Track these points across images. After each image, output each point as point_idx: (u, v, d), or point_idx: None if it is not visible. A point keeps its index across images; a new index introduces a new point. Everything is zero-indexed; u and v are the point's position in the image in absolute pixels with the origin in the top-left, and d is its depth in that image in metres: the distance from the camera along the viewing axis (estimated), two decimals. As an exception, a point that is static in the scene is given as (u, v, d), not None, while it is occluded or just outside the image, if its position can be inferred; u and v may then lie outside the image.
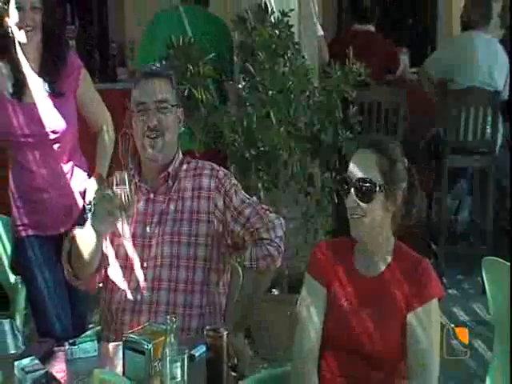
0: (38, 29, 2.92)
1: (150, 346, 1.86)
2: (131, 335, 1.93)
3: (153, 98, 2.41)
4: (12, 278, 3.03)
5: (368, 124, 4.58)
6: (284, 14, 3.62)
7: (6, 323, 2.78)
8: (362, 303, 2.14)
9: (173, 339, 1.81)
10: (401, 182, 2.11)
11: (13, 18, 2.89)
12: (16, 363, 1.99)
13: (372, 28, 5.21)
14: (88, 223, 2.31)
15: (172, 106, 2.44)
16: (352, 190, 2.10)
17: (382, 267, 2.15)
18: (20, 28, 2.89)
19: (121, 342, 1.99)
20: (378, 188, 2.07)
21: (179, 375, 1.83)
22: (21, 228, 3.04)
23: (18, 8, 2.88)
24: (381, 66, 4.91)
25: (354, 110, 3.76)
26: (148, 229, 2.42)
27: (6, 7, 2.90)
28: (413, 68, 5.64)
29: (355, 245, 2.20)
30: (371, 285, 2.14)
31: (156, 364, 1.86)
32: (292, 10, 3.68)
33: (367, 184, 2.08)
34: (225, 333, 1.94)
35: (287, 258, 3.48)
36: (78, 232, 2.39)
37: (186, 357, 1.81)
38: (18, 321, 2.90)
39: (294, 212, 3.78)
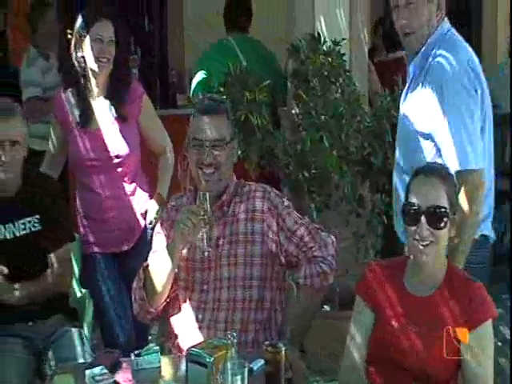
0: (111, 60, 3.00)
1: (212, 359, 1.88)
2: (194, 349, 1.96)
3: (208, 136, 2.39)
4: (80, 291, 3.09)
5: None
6: (336, 43, 3.65)
7: (76, 332, 2.84)
8: (410, 322, 2.12)
9: (234, 353, 1.82)
10: (457, 206, 2.12)
11: (91, 50, 2.96)
12: (87, 372, 2.04)
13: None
14: (161, 250, 2.37)
15: (227, 143, 2.42)
16: (422, 217, 2.07)
17: (433, 288, 2.13)
18: (97, 59, 2.97)
19: (182, 355, 2.02)
20: (448, 215, 2.07)
21: (240, 387, 1.85)
22: (87, 245, 3.12)
23: (98, 40, 2.96)
24: None
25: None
26: (206, 253, 2.43)
27: (83, 39, 2.98)
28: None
29: (407, 265, 2.18)
30: (421, 305, 2.13)
31: (218, 377, 1.88)
32: (344, 39, 3.70)
33: (440, 211, 2.06)
34: (283, 348, 1.95)
35: (338, 276, 3.47)
36: (151, 260, 2.44)
37: (246, 370, 1.83)
38: (86, 331, 2.94)
39: (345, 232, 3.77)
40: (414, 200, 2.09)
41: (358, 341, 2.18)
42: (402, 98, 2.68)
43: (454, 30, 2.53)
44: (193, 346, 2.00)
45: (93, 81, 3.03)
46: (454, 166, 2.37)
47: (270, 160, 3.68)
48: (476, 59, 2.49)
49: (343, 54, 3.64)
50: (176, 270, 2.44)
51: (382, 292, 2.18)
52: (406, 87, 2.62)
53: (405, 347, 2.09)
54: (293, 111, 3.71)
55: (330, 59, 3.59)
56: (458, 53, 2.48)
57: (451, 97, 2.41)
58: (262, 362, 2.01)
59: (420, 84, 2.52)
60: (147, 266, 2.44)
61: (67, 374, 2.03)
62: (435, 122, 2.45)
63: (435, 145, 2.48)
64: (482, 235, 2.53)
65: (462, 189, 2.34)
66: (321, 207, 3.68)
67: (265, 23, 4.52)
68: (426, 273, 2.14)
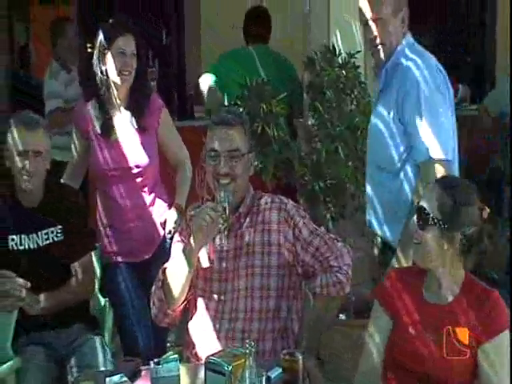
0: (133, 73, 3.02)
1: (230, 367, 1.88)
2: (213, 357, 1.96)
3: (224, 147, 2.40)
4: (101, 300, 3.10)
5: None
6: (351, 55, 3.66)
7: (97, 340, 2.85)
8: (428, 330, 2.11)
9: (252, 362, 1.83)
10: (465, 226, 2.06)
11: (113, 62, 2.99)
12: (107, 379, 2.05)
13: None
14: (179, 253, 2.38)
15: (243, 154, 2.43)
16: (415, 215, 2.11)
17: (450, 297, 2.13)
18: (120, 72, 3.00)
19: (200, 363, 2.02)
20: (431, 220, 2.06)
21: (257, 396, 1.85)
22: (108, 255, 3.13)
23: (121, 54, 2.99)
24: None
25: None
26: (224, 264, 2.44)
27: (106, 52, 3.01)
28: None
29: (426, 273, 2.18)
30: (438, 313, 2.12)
31: (235, 385, 1.88)
32: (358, 51, 3.71)
33: (423, 212, 2.08)
34: (300, 357, 1.95)
35: (353, 285, 3.47)
36: (170, 263, 2.45)
37: (264, 379, 1.83)
38: (107, 339, 2.96)
39: (360, 241, 3.76)
40: (425, 205, 2.09)
41: (375, 346, 2.18)
42: (375, 99, 2.84)
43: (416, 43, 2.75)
44: (212, 355, 2.00)
45: (114, 93, 3.06)
46: (432, 154, 2.55)
47: (286, 171, 3.70)
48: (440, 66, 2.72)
49: (358, 66, 3.66)
50: (195, 278, 2.45)
51: (400, 299, 2.17)
52: (379, 90, 2.77)
53: (421, 355, 2.09)
54: (308, 122, 3.71)
55: (344, 71, 3.60)
56: (426, 58, 2.70)
57: (428, 93, 2.58)
58: (279, 370, 2.01)
59: (393, 84, 2.67)
60: (166, 268, 2.45)
61: (89, 382, 2.04)
62: (411, 117, 2.60)
63: (405, 140, 2.64)
64: None
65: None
66: (336, 217, 3.68)
67: (282, 36, 4.52)
68: (437, 278, 2.14)
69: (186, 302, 2.47)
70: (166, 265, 2.47)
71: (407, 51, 2.69)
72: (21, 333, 2.73)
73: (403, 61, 2.66)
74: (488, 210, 2.10)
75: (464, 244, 2.06)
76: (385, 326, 2.18)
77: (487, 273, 4.82)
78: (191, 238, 2.35)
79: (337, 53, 3.69)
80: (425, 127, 2.57)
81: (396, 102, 2.64)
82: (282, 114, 3.65)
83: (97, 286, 3.06)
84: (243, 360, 1.84)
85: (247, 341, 1.85)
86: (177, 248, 2.51)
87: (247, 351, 1.83)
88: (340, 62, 3.66)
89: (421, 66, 2.62)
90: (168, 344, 3.30)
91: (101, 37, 3.02)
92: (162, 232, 3.16)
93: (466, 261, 2.12)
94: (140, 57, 3.04)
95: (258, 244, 2.44)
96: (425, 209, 2.08)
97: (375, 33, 2.69)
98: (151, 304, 2.49)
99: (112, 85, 3.04)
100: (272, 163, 3.62)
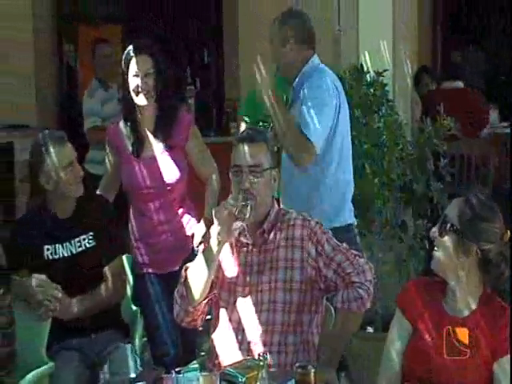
0: (152, 92, 3.03)
1: (244, 379, 1.87)
2: (228, 368, 1.96)
3: (246, 162, 2.41)
4: (133, 308, 3.13)
5: (459, 175, 4.48)
6: (379, 73, 3.63)
7: (128, 348, 2.86)
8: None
9: (264, 374, 1.81)
10: (482, 240, 2.08)
11: (131, 84, 3.03)
12: (129, 388, 2.05)
13: (460, 84, 5.10)
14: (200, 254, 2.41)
15: (264, 169, 2.43)
16: (439, 222, 2.16)
17: (467, 311, 2.12)
18: (137, 92, 3.02)
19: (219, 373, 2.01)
20: (448, 226, 2.10)
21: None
22: (140, 266, 3.16)
23: (135, 76, 3.01)
24: (471, 121, 4.80)
25: (444, 161, 3.70)
26: (248, 278, 2.44)
27: (126, 74, 3.04)
28: (503, 122, 5.48)
29: (448, 285, 2.17)
30: (456, 325, 2.10)
31: (249, 396, 1.87)
32: (386, 70, 3.68)
33: (444, 219, 2.13)
34: (312, 370, 1.93)
35: (381, 298, 3.43)
36: (193, 262, 2.46)
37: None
38: (137, 347, 2.97)
39: (388, 256, 3.72)
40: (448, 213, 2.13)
41: (394, 353, 2.18)
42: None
43: (322, 64, 3.17)
44: (229, 365, 2.00)
45: (139, 113, 3.09)
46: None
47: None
48: (340, 83, 3.16)
49: (385, 85, 3.62)
50: (219, 290, 2.45)
51: (420, 307, 2.17)
52: (291, 100, 3.19)
53: (437, 365, 2.07)
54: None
55: (372, 89, 3.57)
56: (325, 75, 3.11)
57: (317, 93, 3.00)
58: (293, 382, 1.98)
59: (300, 95, 3.07)
60: (188, 266, 2.46)
61: (110, 389, 2.04)
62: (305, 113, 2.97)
63: None
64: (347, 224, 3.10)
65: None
66: (364, 232, 3.64)
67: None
68: (454, 290, 2.14)
69: (206, 303, 2.46)
70: (188, 264, 2.48)
71: (311, 72, 3.10)
72: (54, 338, 2.76)
73: (306, 80, 3.08)
74: (509, 234, 2.11)
75: (480, 259, 2.08)
76: (404, 333, 2.18)
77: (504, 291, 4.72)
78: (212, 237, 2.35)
79: (365, 71, 3.66)
80: (309, 118, 2.94)
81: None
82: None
83: (129, 294, 3.09)
84: (256, 372, 1.82)
85: (260, 353, 1.83)
86: (201, 249, 2.52)
87: (260, 363, 1.81)
88: (368, 80, 3.63)
89: (320, 78, 3.05)
90: (202, 354, 3.29)
91: (123, 60, 3.06)
92: (190, 245, 3.17)
93: (485, 277, 2.11)
94: (159, 76, 3.03)
95: (281, 259, 2.43)
96: (446, 216, 2.12)
97: (273, 55, 3.19)
98: (174, 303, 2.49)
99: (136, 105, 3.06)
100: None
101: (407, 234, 3.69)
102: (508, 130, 5.20)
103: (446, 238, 2.10)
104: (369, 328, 3.81)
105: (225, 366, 2.00)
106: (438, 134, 3.61)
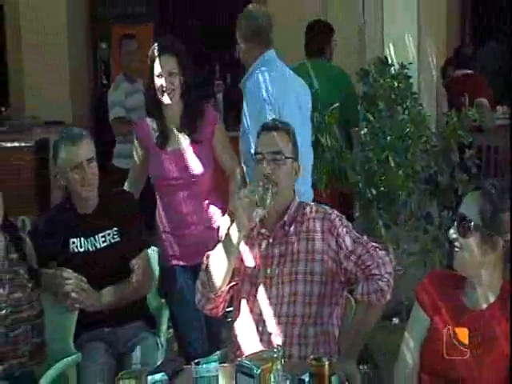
0: (177, 90, 3.03)
1: (259, 370, 1.86)
2: (244, 360, 1.95)
3: (268, 149, 2.42)
4: (159, 300, 3.14)
5: (485, 166, 4.39)
6: (403, 66, 3.58)
7: (153, 339, 2.88)
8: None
9: (279, 365, 1.80)
10: (507, 233, 2.00)
11: (156, 84, 3.03)
12: (149, 378, 2.06)
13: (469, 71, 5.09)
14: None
15: (286, 157, 2.43)
16: (455, 223, 2.06)
17: (485, 304, 2.07)
18: (162, 91, 3.03)
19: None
20: (472, 226, 2.01)
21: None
22: (167, 258, 3.16)
23: (160, 75, 3.02)
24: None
25: (470, 153, 3.63)
26: (269, 270, 2.43)
27: (151, 72, 3.04)
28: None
29: (467, 279, 2.12)
30: (474, 319, 2.05)
31: (264, 388, 1.86)
32: (410, 63, 3.62)
33: (464, 220, 2.03)
34: (326, 362, 1.91)
35: (406, 289, 3.38)
36: (214, 250, 2.47)
37: (288, 382, 1.79)
38: (162, 338, 2.99)
39: (414, 247, 3.67)
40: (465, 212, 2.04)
41: (411, 346, 2.13)
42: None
43: (275, 56, 3.35)
44: (245, 357, 1.99)
45: (165, 110, 3.09)
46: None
47: (340, 179, 3.64)
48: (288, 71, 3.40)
49: (410, 77, 3.56)
50: (241, 281, 2.45)
51: (439, 300, 2.12)
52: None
53: (455, 358, 2.03)
54: (361, 132, 3.65)
55: (396, 82, 3.52)
56: (275, 67, 3.30)
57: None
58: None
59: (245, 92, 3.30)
60: (210, 254, 2.46)
61: (130, 380, 2.05)
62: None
63: None
64: None
65: None
66: (389, 224, 3.60)
67: (339, 48, 4.46)
68: (474, 284, 2.09)
69: (228, 291, 2.46)
70: (210, 252, 2.47)
71: (261, 64, 3.29)
72: (82, 329, 2.79)
73: (257, 70, 3.28)
74: None
75: (506, 250, 2.01)
76: (422, 325, 2.13)
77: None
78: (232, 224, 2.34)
79: (389, 64, 3.60)
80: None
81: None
82: (334, 124, 3.60)
83: (155, 287, 3.10)
84: (271, 364, 1.81)
85: (275, 344, 1.81)
86: (222, 236, 2.52)
87: (275, 355, 1.80)
88: (392, 72, 3.58)
89: (265, 72, 3.23)
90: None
91: (148, 59, 3.06)
92: (216, 237, 3.16)
93: (505, 269, 2.05)
94: (184, 74, 3.02)
95: (302, 252, 2.42)
96: (465, 216, 2.03)
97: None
98: (196, 289, 2.49)
99: (161, 103, 3.07)
100: (325, 171, 3.57)
101: (432, 226, 3.64)
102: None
103: (471, 238, 2.02)
104: (394, 319, 3.76)
105: (241, 358, 1.98)
106: (462, 126, 3.53)
